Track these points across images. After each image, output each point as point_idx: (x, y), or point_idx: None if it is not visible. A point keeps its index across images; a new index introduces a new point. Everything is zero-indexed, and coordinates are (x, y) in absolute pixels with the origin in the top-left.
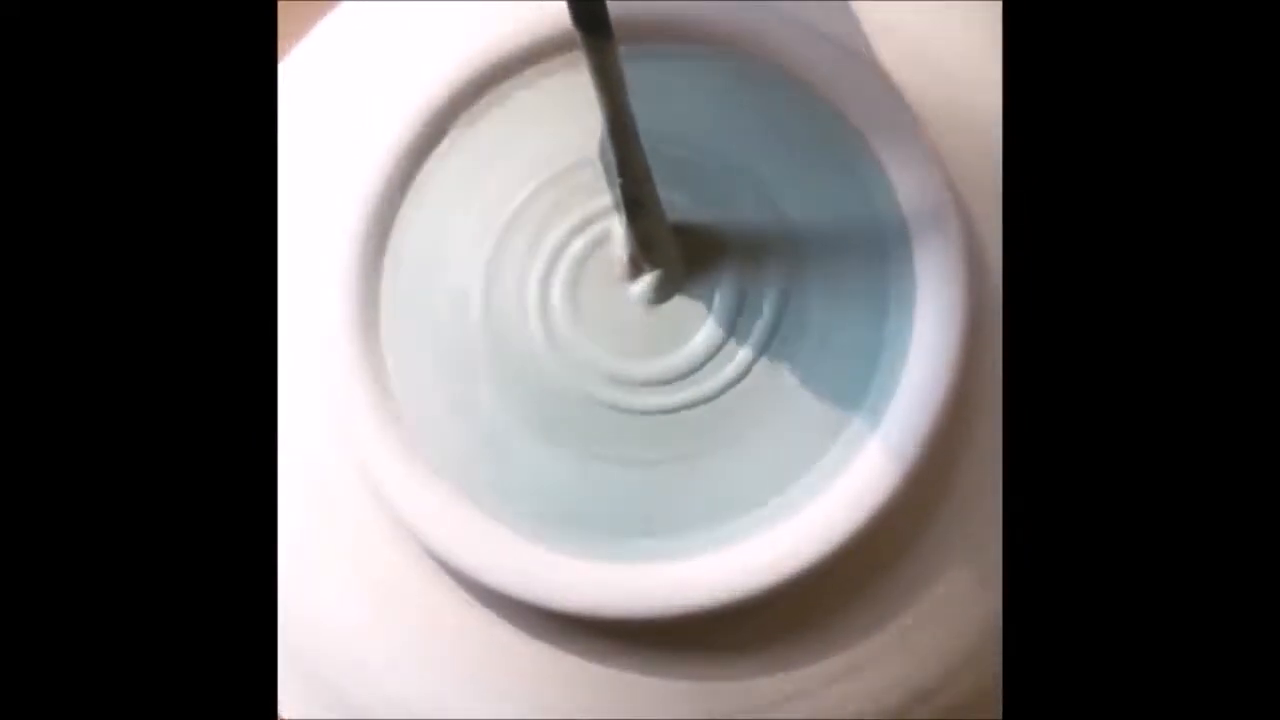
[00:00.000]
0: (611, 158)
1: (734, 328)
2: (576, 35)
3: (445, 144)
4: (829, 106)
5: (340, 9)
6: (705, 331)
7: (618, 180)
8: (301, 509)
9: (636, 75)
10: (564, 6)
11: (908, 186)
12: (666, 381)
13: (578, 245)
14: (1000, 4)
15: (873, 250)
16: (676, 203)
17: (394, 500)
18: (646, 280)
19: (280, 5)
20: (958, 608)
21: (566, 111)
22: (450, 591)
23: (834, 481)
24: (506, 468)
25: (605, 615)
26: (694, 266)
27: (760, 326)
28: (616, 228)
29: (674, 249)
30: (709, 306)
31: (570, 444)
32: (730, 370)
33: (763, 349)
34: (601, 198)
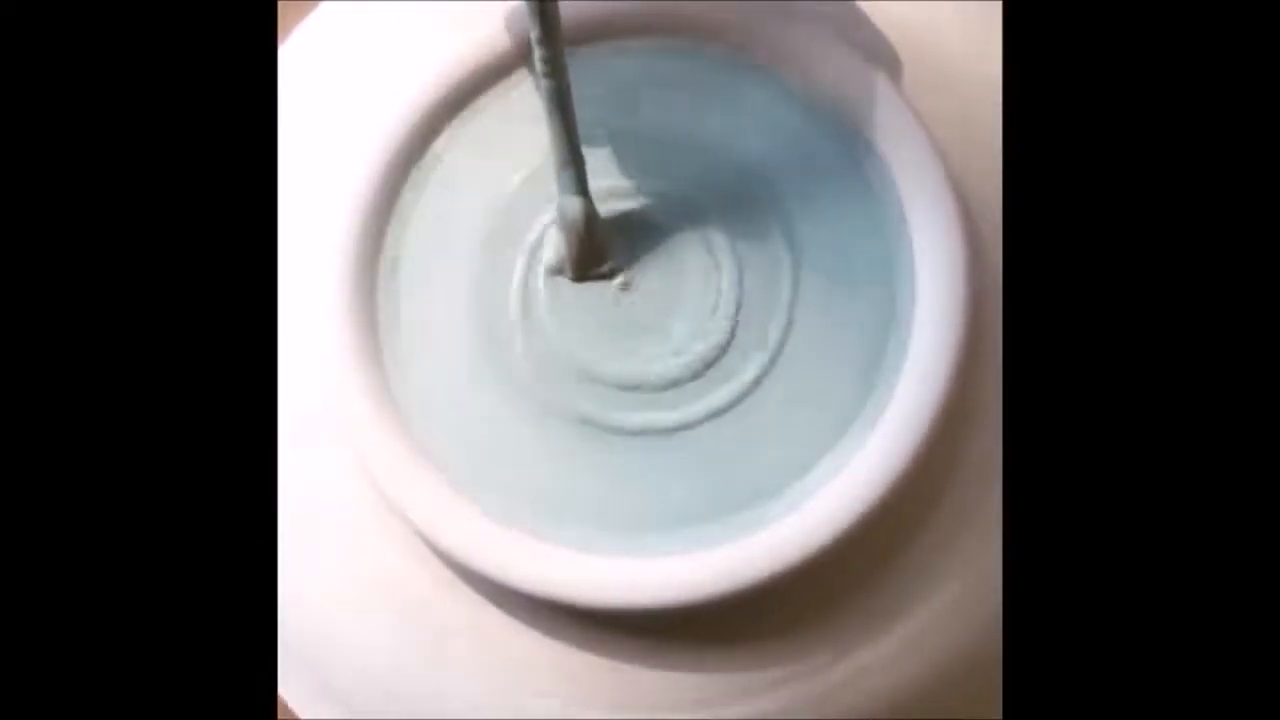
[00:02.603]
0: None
1: (734, 327)
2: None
3: (440, 142)
4: (830, 107)
5: (323, 7)
6: (705, 331)
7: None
8: (301, 505)
9: (634, 71)
10: (586, 6)
11: (909, 184)
12: (666, 377)
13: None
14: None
15: (874, 246)
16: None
17: (393, 494)
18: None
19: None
20: (957, 606)
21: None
22: (450, 585)
23: (833, 479)
24: (506, 462)
25: (607, 607)
26: (672, 259)
27: (759, 325)
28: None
29: (595, 241)
30: (709, 305)
31: (570, 440)
32: (730, 369)
33: (762, 347)
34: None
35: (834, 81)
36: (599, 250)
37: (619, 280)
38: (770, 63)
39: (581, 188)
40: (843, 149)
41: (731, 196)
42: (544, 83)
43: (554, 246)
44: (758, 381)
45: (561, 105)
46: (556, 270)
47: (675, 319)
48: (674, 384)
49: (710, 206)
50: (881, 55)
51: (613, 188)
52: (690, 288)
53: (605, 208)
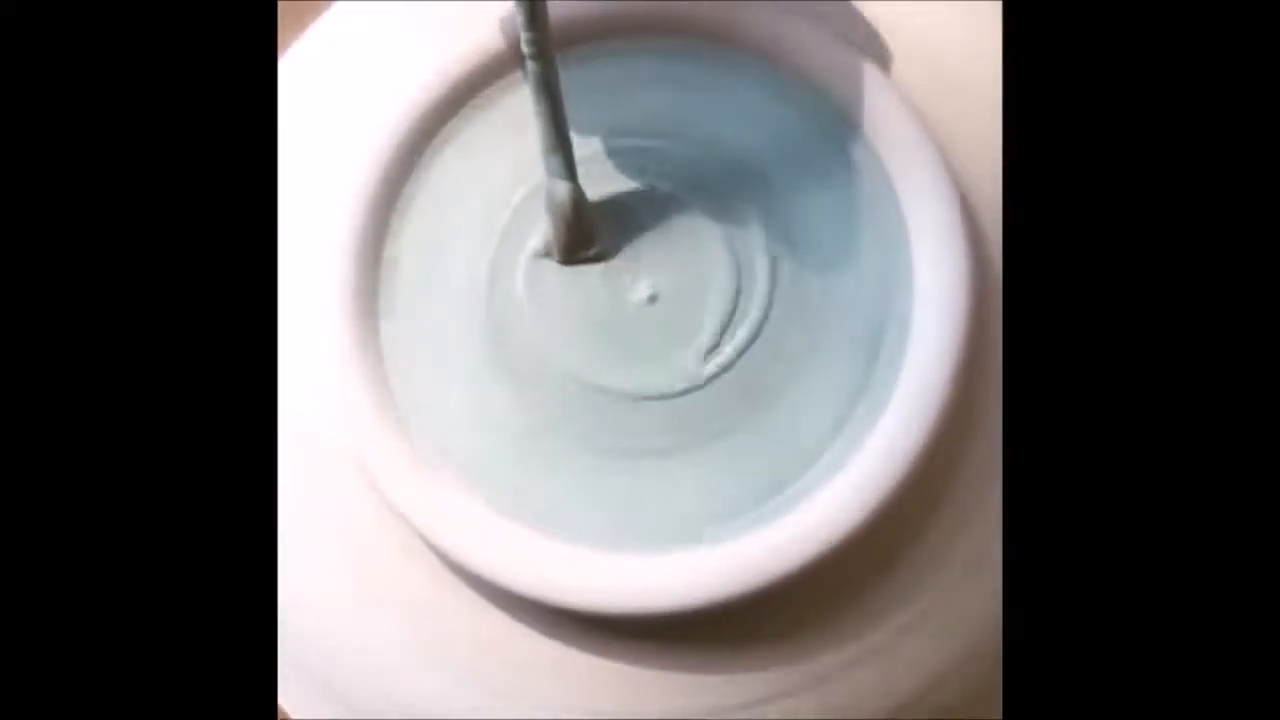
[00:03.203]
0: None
1: (732, 323)
2: None
3: (442, 141)
4: (828, 101)
5: (336, 8)
6: (704, 328)
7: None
8: (301, 505)
9: (629, 69)
10: (560, 6)
11: (905, 176)
12: (664, 375)
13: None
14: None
15: (872, 242)
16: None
17: (394, 495)
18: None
19: (280, 4)
20: (957, 606)
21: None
22: (451, 587)
23: (833, 479)
24: (506, 461)
25: (608, 611)
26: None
27: (758, 322)
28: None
29: (584, 223)
30: (707, 302)
31: (570, 439)
32: (729, 366)
33: (761, 345)
34: (596, 191)
35: (827, 76)
36: (586, 234)
37: (632, 282)
38: (765, 60)
39: (569, 171)
40: (838, 143)
41: (725, 188)
42: (530, 66)
43: (542, 230)
44: (756, 379)
45: (548, 89)
46: (544, 254)
47: (673, 315)
48: (676, 389)
49: (702, 198)
50: (874, 49)
51: (604, 179)
52: (683, 280)
53: (595, 194)
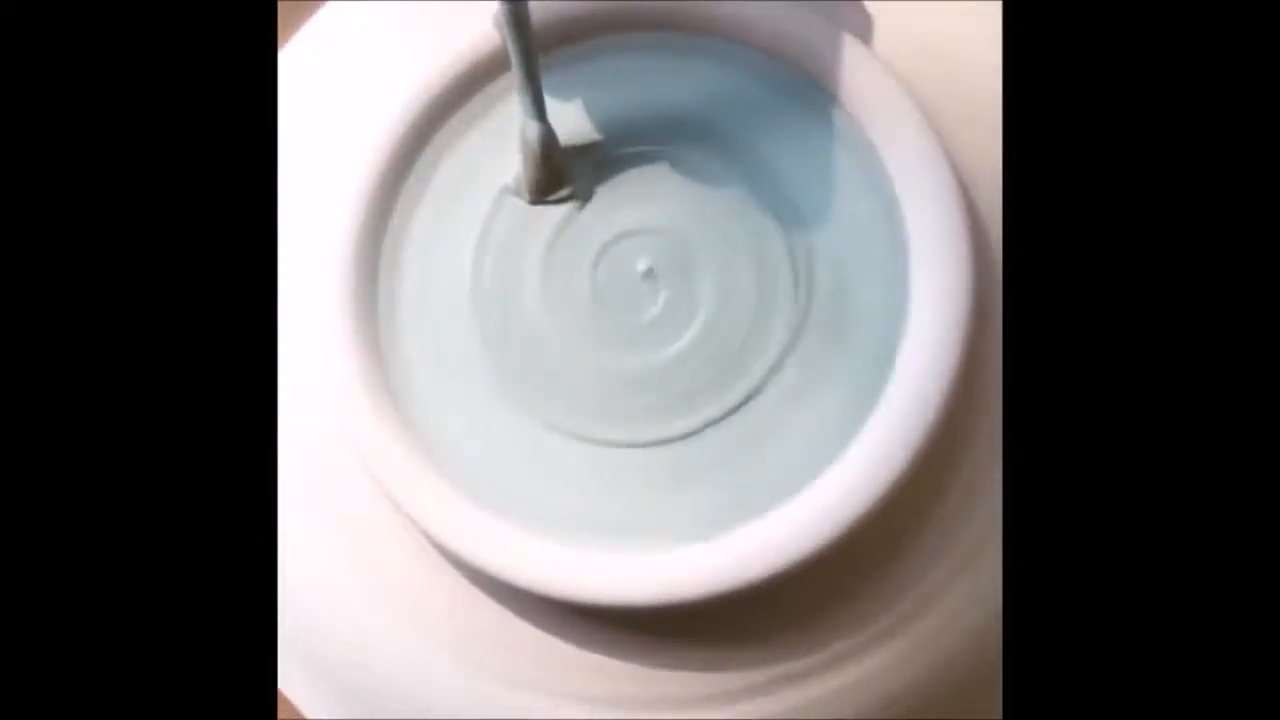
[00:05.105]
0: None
1: (731, 321)
2: None
3: (440, 139)
4: (830, 96)
5: (330, 6)
6: (703, 325)
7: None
8: (301, 500)
9: (612, 68)
10: (560, 6)
11: (906, 173)
12: (667, 374)
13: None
14: None
15: (872, 239)
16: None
17: (392, 490)
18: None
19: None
20: (956, 602)
21: (561, 107)
22: (451, 579)
23: (831, 473)
24: (506, 456)
25: (607, 604)
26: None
27: (758, 318)
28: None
29: (553, 162)
30: (707, 299)
31: (568, 434)
32: (724, 357)
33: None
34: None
35: (811, 52)
36: (556, 174)
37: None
38: (742, 43)
39: (539, 111)
40: (823, 119)
41: (708, 156)
42: (503, 6)
43: (516, 169)
44: (757, 384)
45: (520, 28)
46: (514, 192)
47: (679, 325)
48: (675, 386)
49: (684, 157)
50: (855, 24)
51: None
52: (692, 293)
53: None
